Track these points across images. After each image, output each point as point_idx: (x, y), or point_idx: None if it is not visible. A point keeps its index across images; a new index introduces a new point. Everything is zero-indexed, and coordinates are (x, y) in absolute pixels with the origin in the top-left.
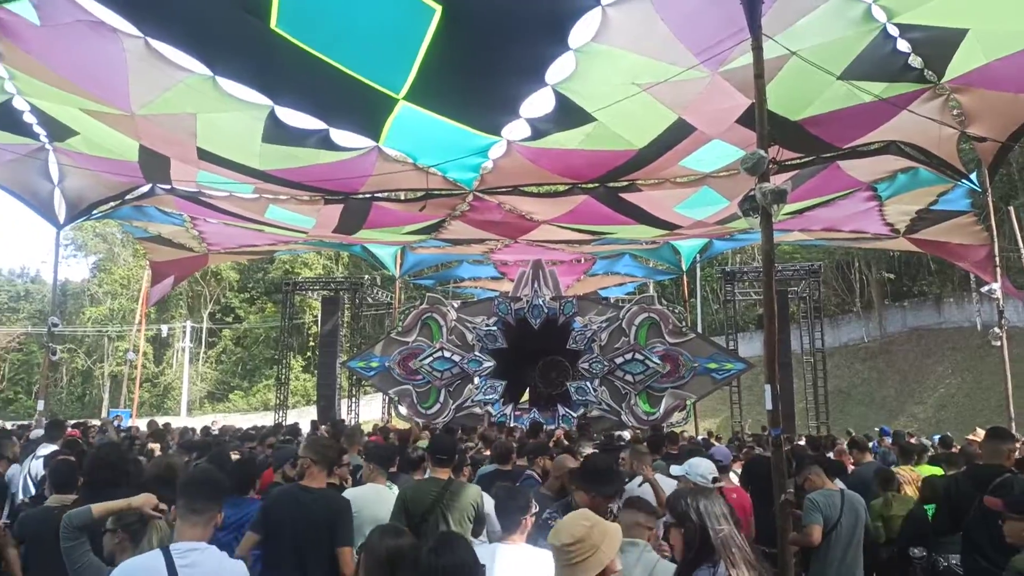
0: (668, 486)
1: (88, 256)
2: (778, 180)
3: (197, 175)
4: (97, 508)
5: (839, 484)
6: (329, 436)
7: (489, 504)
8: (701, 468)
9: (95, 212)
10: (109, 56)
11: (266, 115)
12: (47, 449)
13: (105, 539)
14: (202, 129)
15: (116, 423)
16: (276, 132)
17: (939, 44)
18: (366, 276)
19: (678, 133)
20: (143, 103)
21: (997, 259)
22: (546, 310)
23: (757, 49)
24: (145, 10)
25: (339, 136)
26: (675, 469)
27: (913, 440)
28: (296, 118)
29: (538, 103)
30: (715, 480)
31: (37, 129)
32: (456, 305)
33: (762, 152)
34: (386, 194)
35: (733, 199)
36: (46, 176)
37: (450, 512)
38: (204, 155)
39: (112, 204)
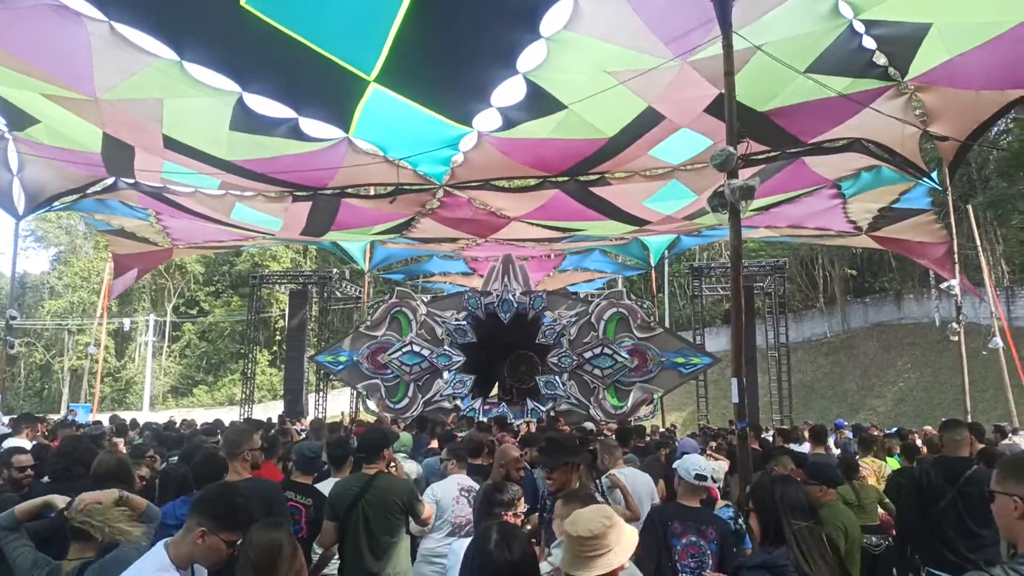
0: (638, 479)
1: (48, 248)
2: (745, 174)
3: (162, 166)
4: (18, 508)
5: None
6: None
7: (429, 503)
8: (687, 464)
9: (56, 204)
10: (72, 39)
11: (234, 101)
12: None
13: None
14: (169, 115)
15: (71, 417)
16: (245, 120)
17: (903, 40)
18: (334, 270)
19: (648, 121)
20: (107, 87)
21: (956, 256)
22: (516, 304)
23: (728, 47)
24: None
25: (308, 126)
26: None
27: (876, 432)
28: (265, 105)
29: (509, 91)
30: (698, 477)
31: None
32: (426, 299)
33: (731, 149)
34: (355, 190)
35: (701, 193)
36: (5, 166)
37: (371, 508)
38: (170, 143)
39: (74, 197)
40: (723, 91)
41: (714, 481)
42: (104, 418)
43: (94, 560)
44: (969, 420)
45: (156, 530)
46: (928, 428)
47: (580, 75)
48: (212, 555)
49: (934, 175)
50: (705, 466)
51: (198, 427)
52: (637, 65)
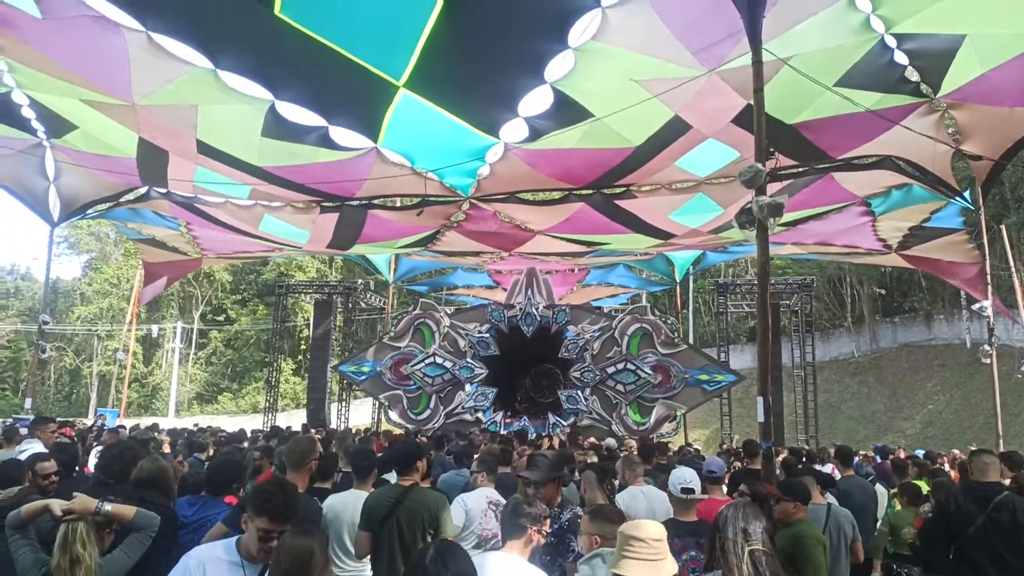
0: (658, 498)
1: (80, 255)
2: (772, 189)
3: (195, 172)
4: (24, 509)
5: (829, 498)
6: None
7: (459, 513)
8: (673, 478)
9: (90, 212)
10: (111, 48)
11: (267, 109)
12: (31, 446)
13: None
14: (203, 121)
15: (101, 423)
16: (276, 127)
17: (936, 55)
18: (359, 280)
19: (674, 131)
20: (145, 94)
21: (988, 277)
22: (539, 318)
23: (757, 63)
24: (148, 4)
25: (338, 135)
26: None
27: (903, 455)
28: (296, 113)
29: (536, 101)
30: (684, 491)
31: (35, 124)
32: (449, 311)
33: (759, 165)
34: (382, 201)
35: (727, 206)
36: (42, 173)
37: (404, 520)
38: (203, 148)
39: (107, 205)
40: (751, 102)
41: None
42: (130, 423)
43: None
44: (1000, 444)
45: (155, 533)
46: (956, 452)
47: (607, 84)
48: (254, 542)
49: (966, 194)
50: (691, 479)
51: (222, 434)
52: (665, 74)
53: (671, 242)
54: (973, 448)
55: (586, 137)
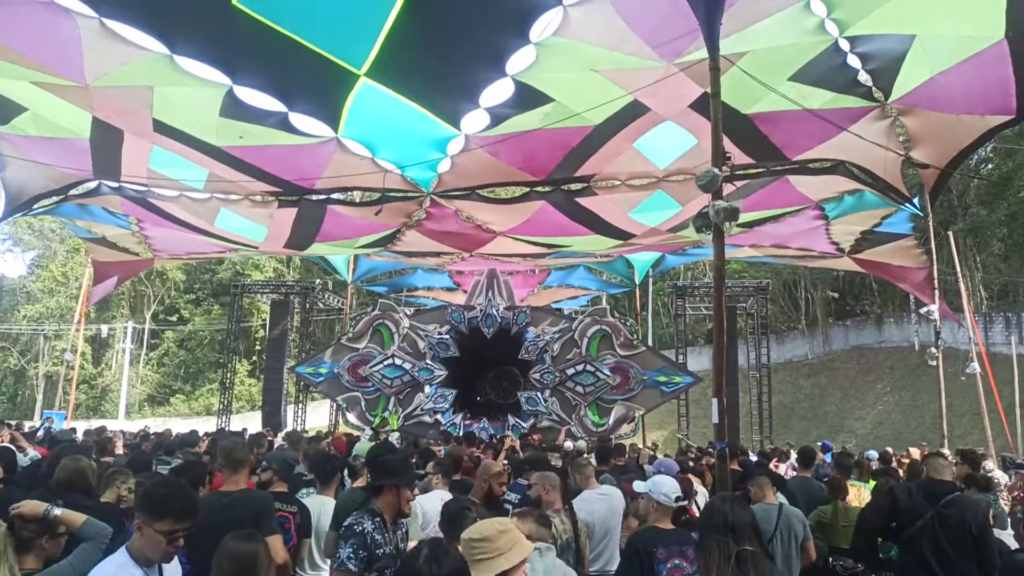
0: (617, 497)
1: (25, 252)
2: (729, 189)
3: (151, 153)
4: None
5: (780, 498)
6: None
7: (416, 508)
8: (665, 487)
9: (37, 207)
10: (62, 32)
11: (224, 92)
12: None
13: None
14: (159, 101)
15: (48, 425)
16: (235, 109)
17: (886, 56)
18: (317, 280)
19: (633, 112)
20: (98, 75)
21: (935, 281)
22: (499, 319)
23: (715, 70)
24: None
25: (299, 121)
26: (638, 486)
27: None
28: (255, 97)
29: (497, 92)
30: (678, 500)
31: None
32: (409, 312)
33: (716, 170)
34: (342, 196)
35: (686, 203)
36: None
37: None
38: (159, 127)
39: (55, 199)
40: (708, 91)
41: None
42: (79, 425)
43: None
44: (946, 444)
45: (106, 544)
46: (913, 450)
47: (568, 73)
48: (154, 547)
49: (916, 201)
50: (676, 487)
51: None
52: (624, 65)
53: (631, 242)
54: (923, 446)
55: (547, 118)
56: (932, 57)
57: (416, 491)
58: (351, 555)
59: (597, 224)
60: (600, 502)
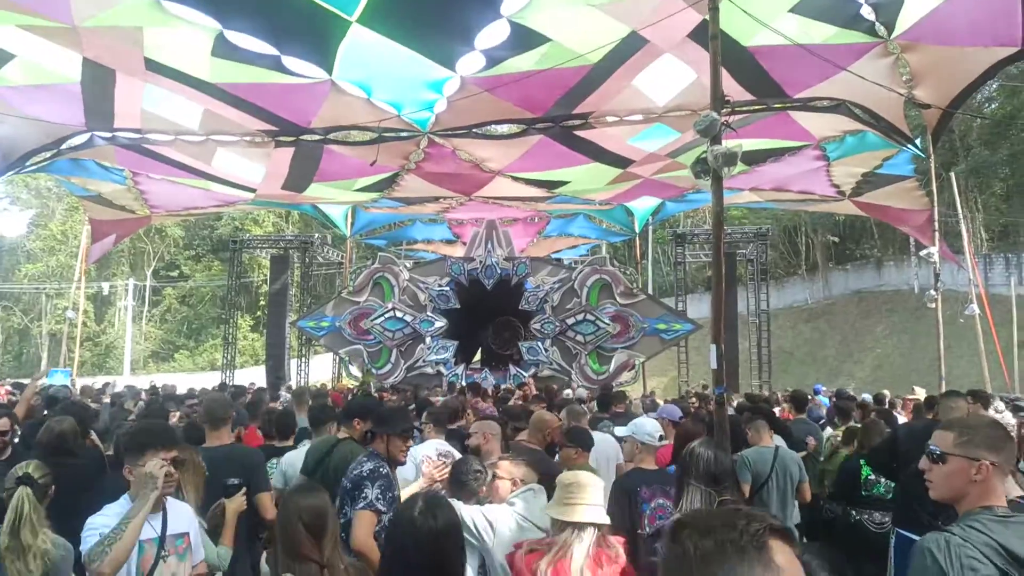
0: (606, 443)
1: (23, 211)
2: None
3: (143, 92)
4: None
5: (777, 440)
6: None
7: (408, 466)
8: (648, 428)
9: (30, 164)
10: None
11: (215, 34)
12: None
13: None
14: (149, 40)
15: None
16: (227, 50)
17: None
18: (316, 235)
19: (631, 46)
20: (85, 16)
21: (936, 224)
22: (499, 271)
23: (714, 10)
24: None
25: (291, 63)
26: (619, 430)
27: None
28: (247, 41)
29: (493, 33)
30: (661, 439)
31: None
32: (408, 265)
33: (715, 114)
34: (338, 135)
35: (685, 131)
36: None
37: (332, 469)
38: (152, 66)
39: (48, 154)
40: (707, 18)
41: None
42: (86, 381)
43: None
44: (943, 386)
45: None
46: (919, 390)
47: (564, 11)
48: (137, 482)
49: (918, 141)
50: (657, 427)
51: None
52: None
53: (630, 171)
54: (917, 389)
55: (544, 59)
56: None
57: (412, 442)
58: (380, 495)
59: (596, 152)
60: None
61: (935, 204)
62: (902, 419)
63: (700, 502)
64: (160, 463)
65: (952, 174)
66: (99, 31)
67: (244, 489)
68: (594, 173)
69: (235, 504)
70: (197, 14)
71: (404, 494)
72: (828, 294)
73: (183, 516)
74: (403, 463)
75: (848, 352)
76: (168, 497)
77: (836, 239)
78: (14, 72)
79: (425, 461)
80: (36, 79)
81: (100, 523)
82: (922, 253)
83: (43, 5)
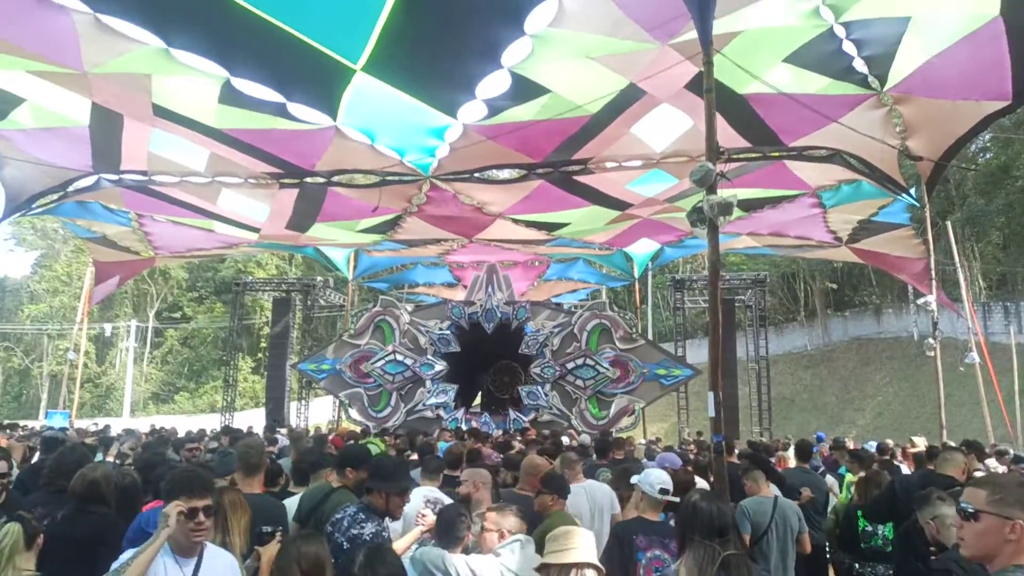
0: (600, 492)
1: (28, 252)
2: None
3: (150, 136)
4: None
5: (774, 490)
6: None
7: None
8: (652, 478)
9: (36, 206)
10: (57, 25)
11: (223, 83)
12: None
13: None
14: (157, 87)
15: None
16: (233, 97)
17: (882, 42)
18: (319, 278)
19: (629, 97)
20: (95, 63)
21: (933, 272)
22: (499, 314)
23: (708, 64)
24: None
25: (297, 110)
26: (633, 478)
27: (851, 445)
28: (253, 88)
29: (494, 84)
30: (663, 491)
31: None
32: (410, 308)
33: (710, 165)
34: (342, 178)
35: (683, 178)
36: None
37: (326, 517)
38: (159, 111)
39: (56, 197)
40: (702, 70)
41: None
42: (85, 424)
43: None
44: (944, 434)
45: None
46: (919, 440)
47: (563, 63)
48: (179, 532)
49: (913, 191)
50: (667, 479)
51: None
52: (620, 50)
53: (629, 213)
54: (916, 439)
55: (544, 110)
56: (927, 39)
57: (408, 497)
58: None
59: (595, 196)
60: (583, 495)
61: (931, 253)
62: (905, 469)
63: (704, 558)
64: (176, 505)
65: (948, 223)
66: (108, 77)
67: (279, 536)
68: (593, 215)
69: (270, 552)
70: (205, 62)
71: (397, 545)
72: (828, 340)
73: (221, 565)
74: (398, 518)
75: (849, 399)
76: (208, 544)
77: (835, 285)
78: (24, 115)
79: (418, 514)
80: (45, 122)
81: (118, 563)
82: (919, 301)
83: (55, 52)
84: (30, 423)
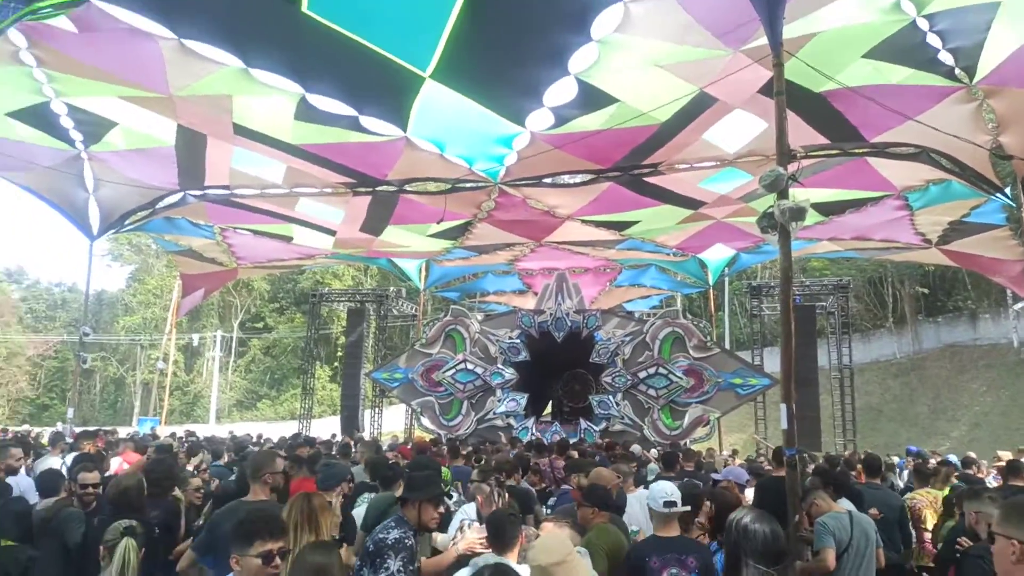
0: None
1: (124, 266)
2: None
3: (232, 154)
4: None
5: (847, 505)
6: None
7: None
8: (657, 492)
9: (128, 224)
10: (145, 51)
11: (299, 99)
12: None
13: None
14: (237, 108)
15: (142, 432)
16: (308, 113)
17: (969, 32)
18: (392, 288)
19: (700, 105)
20: (180, 87)
21: None
22: (569, 323)
23: (778, 66)
24: (177, 13)
25: (368, 123)
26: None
27: (937, 460)
28: (327, 103)
29: (561, 91)
30: (667, 504)
31: (74, 134)
32: (480, 317)
33: (781, 169)
34: (413, 186)
35: (758, 175)
36: (81, 185)
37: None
38: (239, 130)
39: (145, 214)
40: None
41: None
42: (172, 431)
43: None
44: None
45: None
46: (1004, 454)
47: (631, 71)
48: (254, 572)
49: (1008, 190)
50: (673, 492)
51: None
52: (689, 57)
53: (702, 213)
54: (1020, 449)
55: (612, 119)
56: (1019, 24)
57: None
58: (401, 568)
59: (666, 195)
60: (636, 505)
61: None
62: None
63: None
64: (267, 556)
65: None
66: (192, 99)
67: None
68: (665, 213)
69: None
70: (282, 80)
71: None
72: (918, 348)
73: None
74: (433, 530)
75: (942, 409)
76: None
77: (926, 290)
78: (116, 138)
79: (466, 526)
80: (135, 144)
81: None
82: (1018, 307)
83: (143, 77)
84: (123, 429)
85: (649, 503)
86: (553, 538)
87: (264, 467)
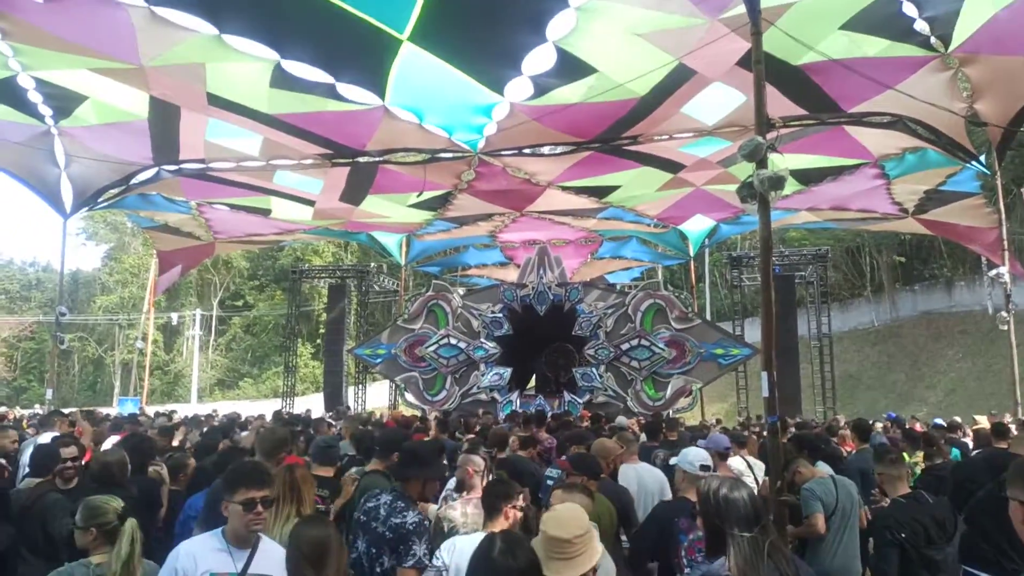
0: (649, 476)
1: (99, 245)
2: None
3: (206, 126)
4: None
5: (827, 469)
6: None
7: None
8: (690, 456)
9: (101, 201)
10: (114, 20)
11: (273, 66)
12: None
13: (76, 535)
14: (211, 76)
15: (124, 413)
16: (284, 80)
17: (944, 0)
18: (373, 264)
19: (679, 78)
20: (152, 56)
21: (1006, 242)
22: (551, 296)
23: (756, 35)
24: None
25: (346, 90)
26: (673, 459)
27: (917, 426)
28: (303, 70)
29: (540, 59)
30: (704, 468)
31: (43, 109)
32: (462, 292)
33: (760, 139)
34: (393, 156)
35: (736, 142)
36: (52, 162)
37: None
38: (213, 100)
39: (119, 190)
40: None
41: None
42: (153, 410)
43: None
44: (1020, 411)
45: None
46: (980, 418)
47: (609, 39)
48: (237, 519)
49: (983, 158)
50: (707, 457)
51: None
52: (666, 25)
53: (681, 177)
54: (992, 414)
55: (591, 91)
56: None
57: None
58: (427, 552)
59: (645, 159)
60: (632, 476)
61: (1003, 222)
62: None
63: (752, 553)
64: (248, 503)
65: (1022, 190)
66: (164, 69)
67: None
68: (645, 177)
69: None
70: (256, 46)
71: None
72: (895, 316)
73: (273, 559)
74: (430, 501)
75: (919, 376)
76: (263, 536)
77: (902, 259)
78: (87, 112)
79: (451, 498)
80: (107, 118)
81: (185, 551)
82: (992, 273)
83: (113, 48)
84: (104, 409)
85: (684, 466)
86: (569, 509)
87: (280, 450)
